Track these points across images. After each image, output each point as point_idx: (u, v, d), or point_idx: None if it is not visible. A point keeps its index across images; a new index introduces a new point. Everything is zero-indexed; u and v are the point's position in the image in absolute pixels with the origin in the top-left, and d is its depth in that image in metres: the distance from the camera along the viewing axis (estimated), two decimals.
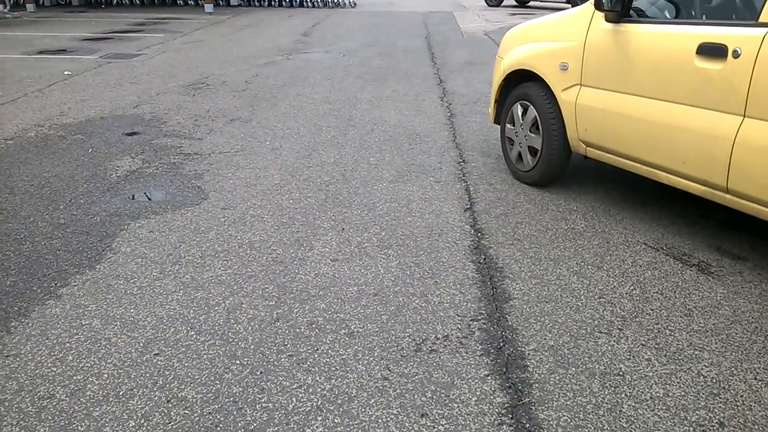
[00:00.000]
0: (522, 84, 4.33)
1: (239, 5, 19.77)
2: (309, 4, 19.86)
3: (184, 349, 2.54)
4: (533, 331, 2.67)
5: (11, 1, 18.11)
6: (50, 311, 2.81)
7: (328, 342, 2.60)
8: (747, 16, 3.15)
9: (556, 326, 2.71)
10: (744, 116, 2.93)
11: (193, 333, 2.65)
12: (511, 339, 2.62)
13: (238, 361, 2.47)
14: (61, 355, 2.50)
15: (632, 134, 3.54)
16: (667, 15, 3.70)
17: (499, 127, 4.73)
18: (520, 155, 4.41)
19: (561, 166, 4.19)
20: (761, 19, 2.88)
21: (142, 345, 2.57)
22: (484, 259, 3.32)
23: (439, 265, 3.24)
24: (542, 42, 4.16)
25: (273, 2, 19.98)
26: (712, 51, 3.03)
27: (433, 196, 4.17)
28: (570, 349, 2.55)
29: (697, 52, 3.10)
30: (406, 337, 2.63)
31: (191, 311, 2.81)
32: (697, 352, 2.54)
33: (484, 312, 2.82)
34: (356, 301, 2.90)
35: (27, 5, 17.82)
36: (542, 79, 4.10)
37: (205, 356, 2.50)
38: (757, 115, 2.87)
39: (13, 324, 2.71)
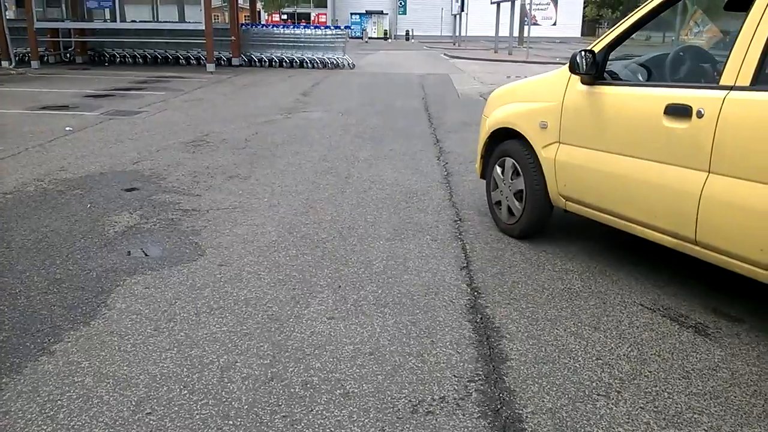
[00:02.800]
0: (506, 141, 4.53)
1: (240, 65, 20.19)
2: (309, 64, 20.29)
3: (176, 409, 2.50)
4: (531, 393, 2.65)
5: (16, 58, 18.48)
6: (42, 368, 2.77)
7: (323, 402, 2.56)
8: (710, 79, 3.31)
9: (554, 388, 2.68)
10: (709, 172, 3.09)
11: (186, 392, 2.62)
12: (509, 401, 2.59)
13: (230, 422, 2.43)
14: (51, 413, 2.46)
15: (607, 189, 3.73)
16: (640, 78, 3.93)
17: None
18: (504, 208, 4.59)
19: (543, 219, 4.39)
20: (722, 82, 3.07)
21: (134, 404, 2.53)
22: (481, 318, 3.31)
23: (436, 325, 3.22)
24: (524, 102, 4.41)
25: (273, 63, 20.41)
26: (678, 111, 3.21)
27: (429, 255, 4.18)
28: (568, 412, 2.52)
29: (664, 112, 3.28)
30: (402, 398, 2.60)
31: (185, 369, 2.78)
32: (696, 416, 2.51)
33: (481, 373, 2.79)
34: (352, 360, 2.88)
35: (32, 62, 18.19)
36: (524, 136, 4.30)
37: (197, 416, 2.46)
38: (720, 171, 3.03)
39: (4, 380, 2.67)
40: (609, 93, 3.73)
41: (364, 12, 59.11)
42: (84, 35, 20.60)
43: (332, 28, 22.17)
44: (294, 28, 22.16)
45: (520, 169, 4.35)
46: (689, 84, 3.50)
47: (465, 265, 4.03)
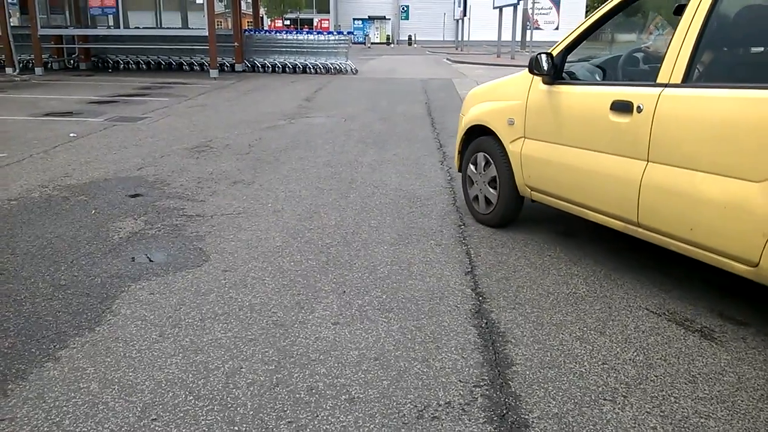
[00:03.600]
0: (480, 137, 4.90)
1: (243, 71, 20.24)
2: (311, 70, 20.33)
3: (182, 415, 2.50)
4: (537, 398, 2.64)
5: (20, 65, 18.55)
6: (48, 374, 2.78)
7: (328, 408, 2.56)
8: (651, 77, 3.54)
9: (559, 393, 2.67)
10: (647, 161, 3.43)
11: (191, 398, 2.62)
12: (515, 406, 2.58)
13: (236, 428, 2.43)
14: (57, 419, 2.46)
15: (565, 179, 4.10)
16: (597, 78, 4.28)
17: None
18: (479, 200, 4.95)
19: (516, 209, 4.75)
20: (659, 80, 3.40)
21: (139, 410, 2.53)
22: (486, 323, 3.30)
23: (441, 329, 3.22)
24: (494, 101, 4.77)
25: (276, 68, 20.46)
26: (621, 107, 3.56)
27: (434, 259, 4.18)
28: (574, 417, 2.51)
29: (610, 108, 3.63)
30: (407, 403, 2.60)
31: (190, 375, 2.78)
32: (703, 420, 2.50)
33: (486, 378, 2.79)
34: (357, 365, 2.88)
35: (35, 69, 18.25)
36: (495, 133, 4.65)
37: (203, 422, 2.46)
38: (657, 160, 3.38)
39: (10, 386, 2.68)
40: (566, 91, 4.08)
41: (367, 17, 59.28)
42: (87, 42, 20.68)
43: (335, 33, 22.21)
44: (297, 33, 22.19)
45: (493, 163, 4.72)
46: (632, 82, 3.91)
47: (470, 269, 4.02)
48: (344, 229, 4.78)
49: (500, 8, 34.01)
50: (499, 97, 4.71)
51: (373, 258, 4.20)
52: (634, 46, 4.41)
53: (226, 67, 20.03)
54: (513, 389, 2.70)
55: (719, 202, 3.06)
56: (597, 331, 3.22)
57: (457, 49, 44.76)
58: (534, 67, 4.11)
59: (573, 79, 4.20)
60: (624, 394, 2.67)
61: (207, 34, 17.73)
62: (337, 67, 20.43)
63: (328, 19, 61.11)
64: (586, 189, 3.93)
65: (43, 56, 18.72)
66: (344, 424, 2.46)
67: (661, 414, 2.54)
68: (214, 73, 17.98)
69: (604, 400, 2.63)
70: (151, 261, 4.12)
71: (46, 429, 2.40)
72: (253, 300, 3.55)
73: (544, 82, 4.17)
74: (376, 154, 7.67)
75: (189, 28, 20.78)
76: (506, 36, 35.17)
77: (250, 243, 4.46)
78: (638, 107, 3.44)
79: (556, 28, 56.82)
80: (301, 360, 2.91)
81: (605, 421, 2.49)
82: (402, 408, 2.56)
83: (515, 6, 31.94)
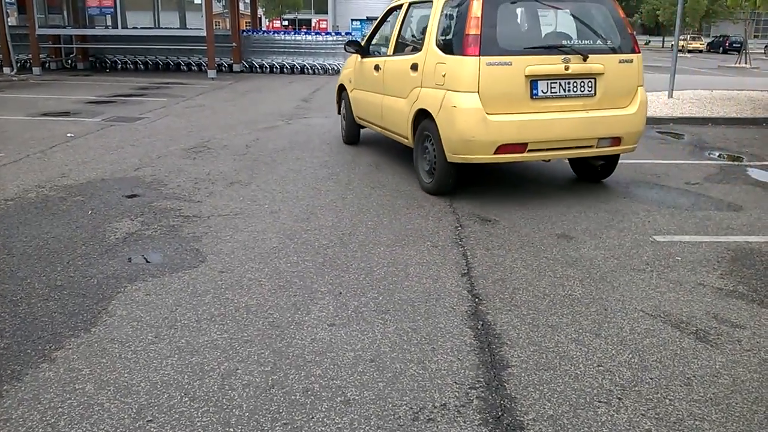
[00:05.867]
0: (343, 92, 8.29)
1: (241, 71, 20.23)
2: (309, 70, 20.32)
3: (177, 416, 2.50)
4: (532, 400, 2.64)
5: (18, 65, 18.52)
6: (43, 375, 2.77)
7: (324, 410, 2.56)
8: (386, 53, 6.90)
9: (555, 395, 2.68)
10: (384, 94, 6.71)
11: (186, 399, 2.62)
12: (510, 408, 2.59)
13: (231, 429, 2.43)
14: (53, 420, 2.46)
15: (365, 110, 7.42)
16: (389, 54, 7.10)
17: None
18: (341, 129, 8.57)
19: (356, 134, 8.23)
20: (387, 53, 6.80)
21: (135, 411, 2.53)
22: (482, 325, 3.30)
23: (437, 331, 3.22)
24: (347, 69, 8.16)
25: (274, 69, 20.45)
26: (377, 67, 6.88)
27: (430, 261, 4.18)
28: (569, 419, 2.52)
29: (374, 69, 6.95)
30: (403, 405, 2.60)
31: (186, 376, 2.78)
32: (697, 423, 2.51)
33: (482, 380, 2.79)
34: (353, 367, 2.88)
35: (33, 68, 18.21)
36: (346, 87, 8.12)
37: (198, 423, 2.46)
38: (385, 93, 6.68)
39: (5, 387, 2.67)
40: (366, 61, 7.33)
41: (365, 18, 59.22)
42: (85, 42, 20.64)
43: (333, 34, 22.22)
44: (295, 34, 22.19)
45: (345, 105, 8.22)
46: (383, 55, 7.03)
47: (466, 271, 4.03)
48: (341, 230, 4.78)
49: None
50: (348, 66, 8.06)
51: (369, 259, 4.20)
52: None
53: (224, 68, 20.01)
54: (508, 391, 2.70)
55: (398, 110, 6.29)
56: (592, 333, 3.22)
57: None
58: (350, 47, 7.59)
59: (373, 54, 7.38)
60: (619, 396, 2.68)
61: (205, 34, 17.69)
62: (335, 68, 20.39)
63: (326, 20, 61.06)
64: (370, 113, 7.24)
65: (40, 56, 18.68)
66: (340, 425, 2.46)
67: (656, 416, 2.54)
68: (212, 73, 17.95)
69: (599, 402, 2.63)
70: (147, 262, 4.12)
71: (41, 430, 2.40)
72: (249, 301, 3.55)
73: (361, 57, 7.49)
74: (374, 154, 7.67)
75: (187, 29, 20.74)
76: None
77: (246, 244, 4.46)
78: (379, 67, 6.80)
79: None
80: (296, 361, 2.92)
81: (600, 423, 2.49)
82: (397, 410, 2.56)
83: None
